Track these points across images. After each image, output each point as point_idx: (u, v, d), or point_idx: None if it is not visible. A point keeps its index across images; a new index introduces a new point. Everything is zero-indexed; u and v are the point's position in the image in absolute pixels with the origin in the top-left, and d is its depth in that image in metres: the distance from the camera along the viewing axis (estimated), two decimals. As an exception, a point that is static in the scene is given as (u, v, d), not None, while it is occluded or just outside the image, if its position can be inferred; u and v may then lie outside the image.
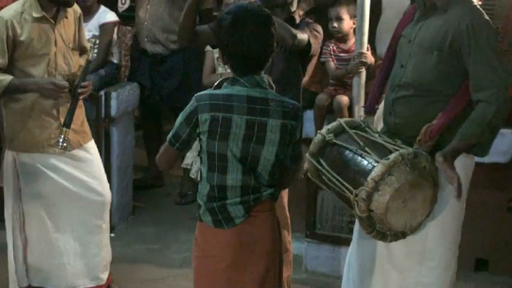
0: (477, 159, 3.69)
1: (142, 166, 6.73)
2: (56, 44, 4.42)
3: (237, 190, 3.19)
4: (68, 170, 4.57)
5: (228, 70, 4.72)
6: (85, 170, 4.64)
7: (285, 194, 4.32)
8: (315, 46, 4.37)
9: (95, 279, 4.77)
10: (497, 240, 5.07)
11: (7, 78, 4.30)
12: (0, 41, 4.31)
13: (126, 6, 6.66)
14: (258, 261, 3.25)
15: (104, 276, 4.81)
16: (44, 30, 4.37)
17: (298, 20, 4.39)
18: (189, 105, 3.15)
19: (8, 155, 4.60)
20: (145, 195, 6.50)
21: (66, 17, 4.46)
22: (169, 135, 3.21)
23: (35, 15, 4.32)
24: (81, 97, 4.43)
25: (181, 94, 6.03)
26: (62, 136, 4.32)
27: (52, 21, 4.37)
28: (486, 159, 4.09)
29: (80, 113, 4.62)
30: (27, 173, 4.54)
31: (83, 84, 4.41)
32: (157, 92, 6.25)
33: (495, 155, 4.65)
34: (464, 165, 3.54)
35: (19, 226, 4.61)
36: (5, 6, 5.65)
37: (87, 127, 4.74)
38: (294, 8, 4.38)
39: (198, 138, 3.19)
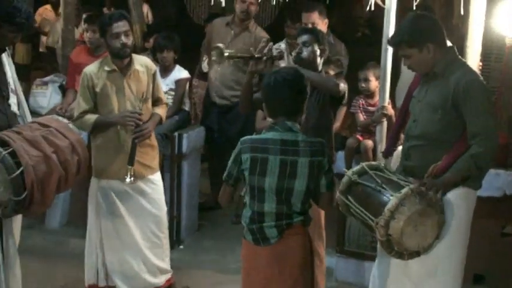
0: (478, 193, 3.70)
1: (206, 192, 6.75)
2: (124, 93, 4.51)
3: (273, 216, 3.25)
4: (135, 195, 4.64)
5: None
6: (148, 197, 4.70)
7: (322, 216, 4.33)
8: (346, 95, 4.44)
9: (159, 278, 4.83)
10: (492, 259, 5.03)
11: (93, 117, 4.47)
12: (83, 90, 4.50)
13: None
14: (288, 274, 3.29)
15: (164, 278, 4.86)
16: (115, 81, 4.49)
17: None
18: (236, 147, 3.27)
19: (93, 181, 4.71)
20: (207, 215, 6.53)
21: (138, 71, 4.54)
22: (224, 175, 3.33)
23: (107, 68, 4.48)
24: (137, 141, 4.46)
25: (242, 137, 6.07)
26: (128, 173, 4.40)
27: (121, 73, 4.49)
28: (484, 193, 4.17)
29: (151, 150, 4.71)
30: (105, 195, 4.62)
31: (140, 128, 4.47)
32: (224, 134, 6.30)
33: (491, 190, 4.73)
34: (467, 197, 3.59)
35: (99, 237, 4.68)
36: (85, 61, 5.86)
37: (154, 163, 4.78)
38: (320, 67, 4.42)
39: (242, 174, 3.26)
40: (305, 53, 4.33)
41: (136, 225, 4.68)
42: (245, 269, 3.40)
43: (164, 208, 4.86)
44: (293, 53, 4.41)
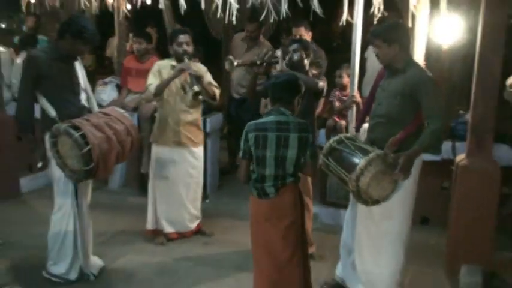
0: (425, 158, 3.74)
1: (224, 161, 6.77)
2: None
3: (271, 178, 3.30)
4: (181, 162, 4.72)
5: (270, 106, 4.88)
6: (192, 164, 4.79)
7: (309, 179, 4.37)
8: (325, 89, 4.51)
9: (194, 223, 4.91)
10: (434, 206, 5.10)
11: (153, 85, 4.54)
12: (154, 74, 4.62)
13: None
14: (282, 219, 3.34)
15: (196, 223, 4.94)
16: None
17: (310, 75, 4.50)
18: (244, 130, 3.31)
19: (152, 147, 4.80)
20: (226, 178, 6.54)
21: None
22: (240, 154, 3.35)
23: (173, 64, 4.61)
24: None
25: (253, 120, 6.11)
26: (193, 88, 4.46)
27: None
28: (429, 158, 4.30)
29: (196, 128, 4.79)
30: (159, 160, 4.71)
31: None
32: (240, 119, 6.24)
33: (433, 156, 4.76)
34: (416, 162, 3.58)
35: (154, 193, 4.76)
36: (134, 66, 6.05)
37: (198, 138, 4.83)
38: (306, 67, 4.45)
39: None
40: (295, 57, 4.36)
41: (182, 183, 4.75)
42: (252, 215, 3.45)
43: (202, 173, 4.91)
44: (286, 58, 4.41)
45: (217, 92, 4.75)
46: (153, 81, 4.56)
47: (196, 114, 4.79)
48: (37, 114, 4.00)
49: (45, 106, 3.80)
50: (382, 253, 3.69)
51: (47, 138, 3.77)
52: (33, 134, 3.89)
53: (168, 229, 4.78)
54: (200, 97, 4.54)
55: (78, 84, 3.95)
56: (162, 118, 4.70)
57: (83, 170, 3.59)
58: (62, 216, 3.94)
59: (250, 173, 3.38)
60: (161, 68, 4.61)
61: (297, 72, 4.26)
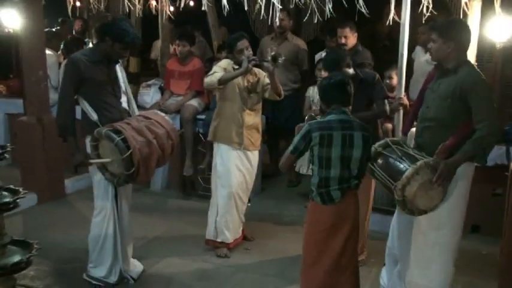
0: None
1: (266, 163, 6.60)
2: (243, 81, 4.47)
3: (336, 180, 3.16)
4: (240, 163, 4.53)
5: (314, 107, 4.73)
6: (248, 167, 4.60)
7: (372, 183, 4.26)
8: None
9: (240, 228, 4.75)
10: (485, 213, 4.84)
11: (220, 73, 4.36)
12: (220, 68, 4.44)
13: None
14: (346, 225, 3.22)
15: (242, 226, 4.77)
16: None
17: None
18: (303, 129, 3.18)
19: (214, 145, 4.63)
20: (268, 181, 6.40)
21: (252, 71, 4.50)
22: (291, 148, 3.21)
23: (235, 67, 4.44)
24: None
25: (290, 122, 5.94)
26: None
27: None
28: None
29: (256, 132, 4.61)
30: (222, 158, 4.52)
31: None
32: (276, 120, 6.15)
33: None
34: (467, 169, 3.38)
35: (215, 197, 4.59)
36: (176, 68, 5.95)
37: (257, 142, 4.66)
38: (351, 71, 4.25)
39: (310, 149, 3.17)
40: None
41: (241, 187, 4.57)
42: (310, 222, 3.30)
43: (254, 179, 4.76)
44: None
45: (281, 88, 4.61)
46: (218, 71, 4.42)
47: (257, 118, 4.63)
48: (78, 117, 3.96)
49: (86, 109, 3.77)
50: (431, 265, 3.48)
51: (88, 141, 3.73)
52: (74, 137, 3.85)
53: (230, 239, 4.59)
54: (280, 60, 4.28)
55: (119, 87, 3.91)
56: (225, 118, 4.52)
57: (124, 174, 3.54)
58: (102, 219, 3.91)
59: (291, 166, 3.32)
60: (225, 69, 4.46)
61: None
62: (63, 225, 5.08)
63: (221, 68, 4.46)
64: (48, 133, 5.51)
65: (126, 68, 7.48)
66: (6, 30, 7.00)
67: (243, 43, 4.44)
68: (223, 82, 4.35)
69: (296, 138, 3.20)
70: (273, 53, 4.27)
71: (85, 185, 5.96)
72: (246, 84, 4.47)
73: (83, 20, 7.50)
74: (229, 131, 4.48)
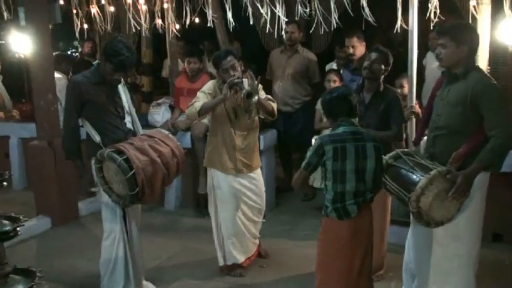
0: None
1: (280, 177, 6.50)
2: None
3: (351, 194, 3.07)
4: (239, 186, 4.31)
5: (325, 119, 4.61)
6: (251, 188, 4.38)
7: (388, 198, 4.11)
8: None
9: (256, 245, 4.58)
10: (507, 220, 4.65)
11: (200, 103, 4.11)
12: (204, 94, 4.19)
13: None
14: (363, 240, 3.14)
15: (257, 243, 4.61)
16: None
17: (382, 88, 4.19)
18: (315, 144, 3.11)
19: (207, 171, 4.44)
20: (282, 196, 6.27)
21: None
22: (303, 165, 3.12)
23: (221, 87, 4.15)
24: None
25: (302, 135, 5.85)
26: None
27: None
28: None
29: (252, 152, 4.34)
30: (218, 183, 4.32)
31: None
32: (288, 134, 6.04)
33: (505, 167, 4.15)
34: (483, 178, 3.24)
35: (216, 223, 4.40)
36: (185, 86, 5.86)
37: (255, 163, 4.38)
38: (379, 81, 4.14)
39: (323, 164, 3.08)
40: (374, 66, 4.08)
41: (243, 210, 4.36)
42: (325, 239, 3.20)
43: (263, 197, 4.50)
44: (365, 63, 4.13)
45: (274, 106, 4.31)
46: (200, 98, 4.15)
47: (252, 138, 4.35)
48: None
49: (90, 131, 3.72)
50: (450, 278, 3.35)
51: (93, 163, 3.66)
52: (81, 159, 3.79)
53: (241, 259, 4.42)
54: (254, 99, 3.97)
55: (122, 107, 3.84)
56: (216, 143, 4.30)
57: (128, 194, 3.46)
58: (112, 242, 3.83)
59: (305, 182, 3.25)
60: (212, 91, 4.21)
61: (371, 83, 4.09)
62: (77, 249, 5.01)
63: (205, 93, 4.19)
64: (60, 156, 5.42)
65: (139, 87, 7.48)
66: (17, 55, 7.04)
67: (228, 62, 4.08)
68: (203, 113, 4.12)
69: (308, 154, 3.11)
70: (248, 89, 3.94)
71: (99, 206, 5.73)
72: (233, 105, 4.18)
73: (92, 42, 7.50)
74: (222, 157, 4.25)
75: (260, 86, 4.22)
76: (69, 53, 8.77)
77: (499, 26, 4.54)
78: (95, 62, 6.87)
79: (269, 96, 4.40)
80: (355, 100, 3.21)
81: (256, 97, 3.99)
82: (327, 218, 3.16)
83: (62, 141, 3.81)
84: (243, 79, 4.14)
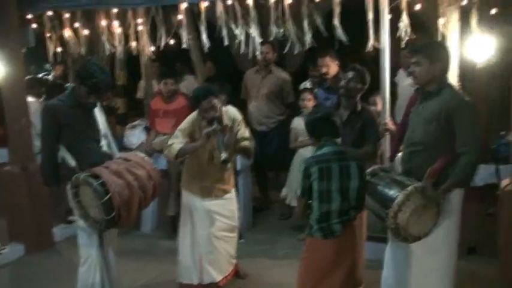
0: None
1: (256, 196, 6.46)
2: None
3: (336, 213, 3.08)
4: (215, 207, 4.31)
5: (301, 138, 4.60)
6: (225, 207, 4.37)
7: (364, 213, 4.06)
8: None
9: (231, 265, 4.53)
10: (481, 234, 4.72)
11: (178, 146, 4.07)
12: (184, 133, 4.16)
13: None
14: (346, 260, 3.14)
15: (234, 263, 4.56)
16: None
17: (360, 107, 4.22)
18: (301, 168, 3.12)
19: (184, 193, 4.41)
20: (260, 215, 6.26)
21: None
22: (299, 193, 3.15)
23: (203, 124, 4.14)
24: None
25: (277, 154, 5.87)
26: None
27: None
28: (471, 184, 3.83)
29: (227, 176, 4.35)
30: (194, 205, 4.31)
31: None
32: (263, 153, 5.99)
33: (476, 181, 4.30)
34: (457, 192, 3.33)
35: (191, 234, 4.36)
36: (161, 107, 5.82)
37: (229, 186, 4.40)
38: (355, 99, 4.19)
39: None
40: (351, 84, 4.15)
41: (218, 229, 4.32)
42: (309, 258, 3.19)
43: (236, 217, 4.48)
44: (342, 82, 4.20)
45: (251, 147, 4.33)
46: (178, 139, 4.12)
47: (228, 168, 4.36)
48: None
49: (65, 156, 3.66)
50: (430, 293, 3.36)
51: (68, 188, 3.60)
52: (59, 186, 3.74)
53: (218, 277, 4.37)
54: (228, 165, 4.14)
55: (98, 130, 3.80)
56: (193, 172, 4.29)
57: (105, 219, 3.41)
58: (89, 267, 3.77)
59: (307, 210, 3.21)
60: (195, 128, 4.17)
61: (348, 101, 4.13)
62: (52, 276, 4.89)
63: (184, 133, 4.15)
64: (34, 181, 5.37)
65: (114, 109, 7.42)
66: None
67: (209, 102, 4.03)
68: (181, 156, 4.12)
69: (300, 181, 3.13)
70: (225, 156, 3.91)
71: (74, 232, 5.62)
72: (210, 148, 4.15)
73: (64, 65, 7.44)
74: (199, 184, 4.27)
75: (243, 124, 4.32)
76: (40, 76, 8.64)
77: (467, 43, 4.66)
78: (67, 85, 6.80)
79: (246, 134, 4.34)
80: (338, 121, 3.25)
81: (229, 165, 4.15)
82: (311, 237, 3.16)
83: (41, 167, 3.75)
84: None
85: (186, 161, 4.36)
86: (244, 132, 4.32)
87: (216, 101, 4.07)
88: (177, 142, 4.11)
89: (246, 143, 4.29)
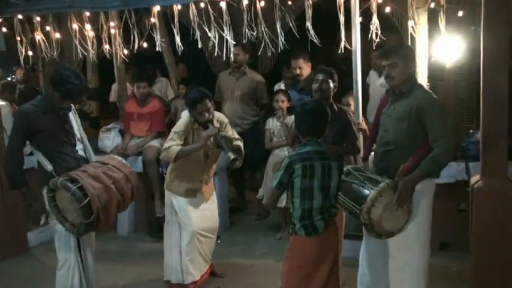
0: (438, 181, 3.57)
1: (233, 197, 6.53)
2: None
3: (318, 210, 3.12)
4: (200, 207, 4.39)
5: (275, 139, 4.64)
6: (208, 208, 4.46)
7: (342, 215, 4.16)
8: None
9: (207, 264, 4.57)
10: (452, 230, 4.84)
11: (177, 148, 4.13)
12: (180, 135, 4.20)
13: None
14: (329, 256, 3.17)
15: (209, 262, 4.61)
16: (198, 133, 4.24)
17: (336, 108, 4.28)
18: (284, 162, 3.13)
19: (166, 192, 4.45)
20: (236, 216, 6.31)
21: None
22: (275, 184, 3.13)
23: (195, 126, 4.23)
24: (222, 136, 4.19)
25: (252, 155, 5.89)
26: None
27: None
28: (442, 181, 4.09)
29: (211, 177, 4.49)
30: (178, 206, 4.36)
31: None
32: (239, 154, 6.06)
33: (447, 178, 4.57)
34: (428, 187, 3.43)
35: (175, 241, 4.42)
36: (135, 110, 5.82)
37: (211, 186, 4.53)
38: (330, 100, 4.23)
39: (291, 182, 3.11)
40: (324, 86, 4.20)
41: (202, 228, 4.38)
42: (293, 257, 3.21)
43: (217, 218, 4.57)
44: (314, 86, 4.24)
45: (241, 145, 4.41)
46: (175, 141, 4.17)
47: (213, 170, 4.55)
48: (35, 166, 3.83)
49: (41, 160, 3.64)
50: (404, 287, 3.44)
51: (45, 193, 3.58)
52: (27, 187, 3.70)
53: (197, 276, 4.41)
54: (237, 163, 4.18)
55: (73, 135, 3.79)
56: (183, 175, 4.33)
57: (83, 223, 3.41)
58: (67, 271, 3.75)
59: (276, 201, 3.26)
60: (189, 131, 4.24)
61: (324, 103, 4.09)
62: (29, 281, 4.85)
63: (179, 135, 4.20)
64: (7, 186, 5.30)
65: (87, 113, 7.36)
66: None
67: (204, 106, 4.11)
68: (180, 158, 4.17)
69: (279, 173, 3.14)
70: (234, 156, 4.03)
71: (49, 236, 5.65)
72: (205, 148, 4.24)
73: (25, 69, 7.36)
74: (181, 186, 4.34)
75: (227, 120, 4.45)
76: (9, 79, 8.53)
77: (436, 44, 4.79)
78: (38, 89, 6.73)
79: (235, 134, 4.48)
80: (327, 117, 3.25)
81: (238, 163, 4.17)
82: (295, 235, 3.18)
83: (5, 170, 3.70)
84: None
85: (174, 163, 4.37)
86: (233, 133, 4.46)
87: (211, 105, 4.17)
88: (174, 144, 4.17)
89: (238, 143, 4.39)
